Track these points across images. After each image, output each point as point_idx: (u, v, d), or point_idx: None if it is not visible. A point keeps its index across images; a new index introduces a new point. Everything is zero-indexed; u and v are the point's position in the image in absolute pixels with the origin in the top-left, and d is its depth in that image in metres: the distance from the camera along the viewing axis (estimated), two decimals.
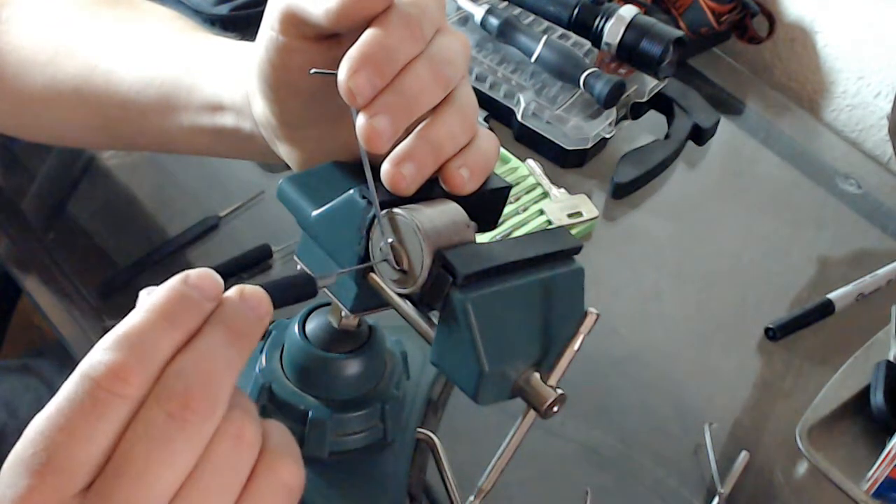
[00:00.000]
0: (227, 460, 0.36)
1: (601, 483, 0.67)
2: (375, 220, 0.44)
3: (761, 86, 1.05)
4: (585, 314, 0.43)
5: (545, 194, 0.84)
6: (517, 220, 0.81)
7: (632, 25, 0.88)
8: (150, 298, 0.37)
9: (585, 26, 0.90)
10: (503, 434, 0.45)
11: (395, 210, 0.44)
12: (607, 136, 0.89)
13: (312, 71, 0.46)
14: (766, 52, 1.08)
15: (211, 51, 0.58)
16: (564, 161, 0.87)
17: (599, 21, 0.89)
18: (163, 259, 0.76)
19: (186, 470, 0.35)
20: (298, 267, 0.49)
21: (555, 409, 0.43)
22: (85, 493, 0.35)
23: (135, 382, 0.35)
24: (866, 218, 0.91)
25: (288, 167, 0.54)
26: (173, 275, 0.38)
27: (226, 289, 0.39)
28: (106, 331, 0.36)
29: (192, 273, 0.38)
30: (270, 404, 0.54)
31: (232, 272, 0.75)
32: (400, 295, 0.45)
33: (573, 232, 0.78)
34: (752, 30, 1.04)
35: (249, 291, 0.39)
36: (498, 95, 0.90)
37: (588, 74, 0.86)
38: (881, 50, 1.00)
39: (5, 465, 0.35)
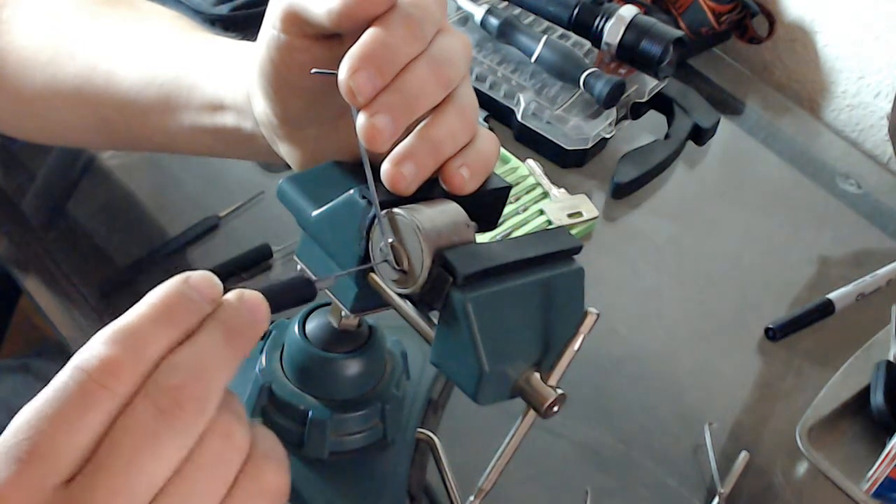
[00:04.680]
0: (213, 460, 0.36)
1: (601, 483, 0.67)
2: (375, 220, 0.44)
3: (761, 86, 1.05)
4: (585, 314, 0.43)
5: (545, 194, 0.84)
6: (517, 220, 0.81)
7: (632, 25, 0.88)
8: (148, 296, 0.37)
9: (585, 26, 0.90)
10: (503, 434, 0.45)
11: (395, 210, 0.44)
12: (607, 136, 0.89)
13: (313, 70, 0.46)
14: (766, 52, 1.08)
15: (211, 50, 0.58)
16: (564, 161, 0.87)
17: (599, 21, 0.89)
18: (163, 259, 0.76)
19: (172, 466, 0.35)
20: (298, 267, 0.49)
21: (555, 409, 0.43)
22: (68, 483, 0.35)
23: (125, 377, 0.35)
24: (866, 218, 0.91)
25: (288, 167, 0.54)
26: (173, 275, 0.38)
27: (226, 290, 0.39)
28: None
29: (193, 274, 0.38)
30: (270, 404, 0.54)
31: (232, 272, 0.75)
32: (400, 295, 0.45)
33: (573, 232, 0.78)
34: (752, 30, 1.04)
35: (249, 295, 0.39)
36: (498, 95, 0.90)
37: (588, 74, 0.86)
38: (881, 50, 1.00)
39: None
